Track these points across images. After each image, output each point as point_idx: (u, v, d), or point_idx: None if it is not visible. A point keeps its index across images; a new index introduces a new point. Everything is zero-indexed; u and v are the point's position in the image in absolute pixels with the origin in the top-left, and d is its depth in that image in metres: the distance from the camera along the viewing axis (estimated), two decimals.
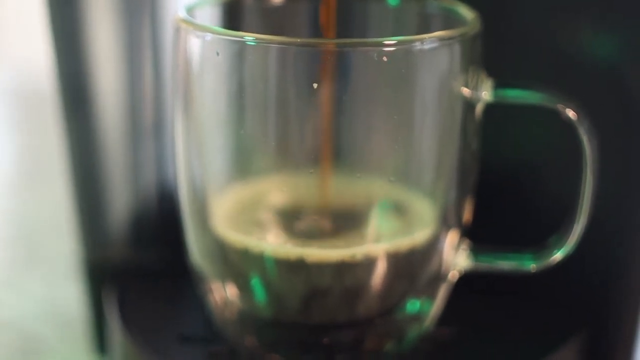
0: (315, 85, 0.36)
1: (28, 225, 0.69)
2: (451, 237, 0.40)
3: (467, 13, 0.40)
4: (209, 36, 0.37)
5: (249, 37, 0.36)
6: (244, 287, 0.40)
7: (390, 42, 0.36)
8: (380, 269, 0.39)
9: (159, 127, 0.48)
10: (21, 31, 0.92)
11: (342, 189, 0.39)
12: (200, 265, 0.42)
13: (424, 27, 0.43)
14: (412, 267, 0.40)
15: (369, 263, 0.39)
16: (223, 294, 0.41)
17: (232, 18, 0.44)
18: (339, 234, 0.39)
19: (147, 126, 0.48)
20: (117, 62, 0.46)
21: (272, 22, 0.44)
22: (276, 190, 0.39)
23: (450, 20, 0.41)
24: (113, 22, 0.46)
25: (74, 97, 0.46)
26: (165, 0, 0.47)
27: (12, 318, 0.55)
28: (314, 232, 0.39)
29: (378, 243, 0.39)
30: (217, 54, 0.37)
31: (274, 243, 0.39)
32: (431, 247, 0.40)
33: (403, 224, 0.39)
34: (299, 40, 0.36)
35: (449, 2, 0.42)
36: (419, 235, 0.39)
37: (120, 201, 0.48)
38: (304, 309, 0.40)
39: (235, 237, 0.39)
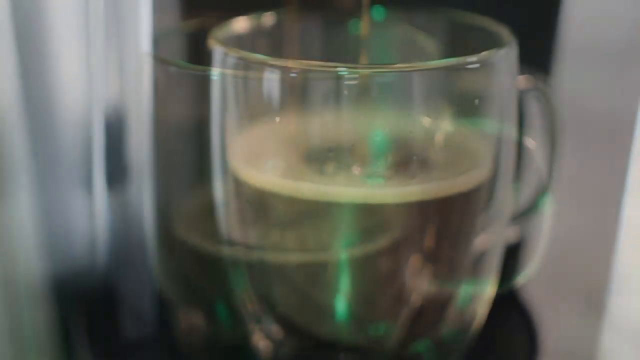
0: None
1: None
2: None
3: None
4: (173, 69, 0.37)
5: (214, 72, 0.36)
6: (210, 311, 0.40)
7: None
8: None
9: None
10: None
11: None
12: (168, 290, 0.42)
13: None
14: None
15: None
16: (190, 319, 0.41)
17: (197, 48, 0.44)
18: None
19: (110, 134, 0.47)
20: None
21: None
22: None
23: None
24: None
25: (38, 119, 0.46)
26: (130, 26, 0.47)
27: None
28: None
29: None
30: (182, 86, 0.37)
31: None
32: None
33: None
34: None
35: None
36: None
37: (86, 223, 0.48)
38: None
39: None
